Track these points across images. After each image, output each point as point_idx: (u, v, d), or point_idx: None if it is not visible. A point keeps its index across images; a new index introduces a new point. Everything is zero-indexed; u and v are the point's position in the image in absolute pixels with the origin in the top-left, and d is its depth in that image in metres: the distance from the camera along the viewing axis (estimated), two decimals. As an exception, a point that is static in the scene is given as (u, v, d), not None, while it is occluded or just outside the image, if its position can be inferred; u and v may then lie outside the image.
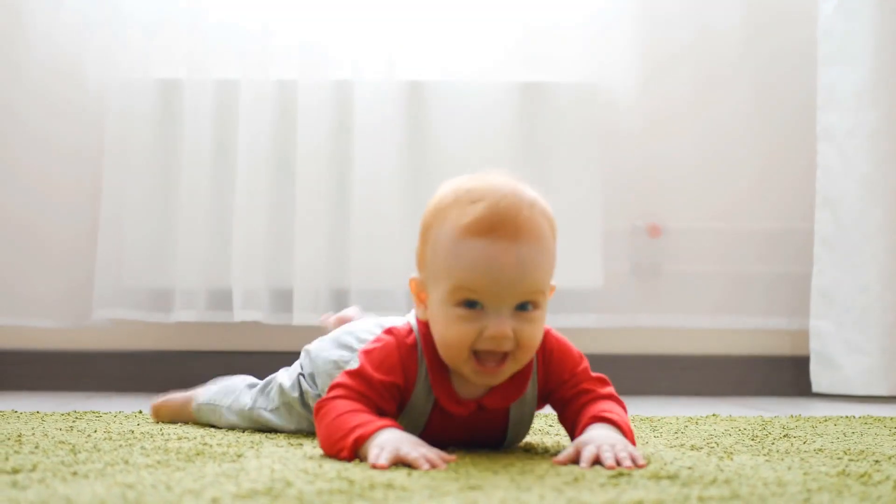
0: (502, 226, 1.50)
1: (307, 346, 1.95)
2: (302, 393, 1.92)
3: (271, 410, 1.98)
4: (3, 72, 3.22)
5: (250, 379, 2.08)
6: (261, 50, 3.16)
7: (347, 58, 3.18)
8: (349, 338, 1.86)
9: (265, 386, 2.01)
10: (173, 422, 2.15)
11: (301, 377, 1.93)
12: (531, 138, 3.19)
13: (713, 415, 2.44)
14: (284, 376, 1.98)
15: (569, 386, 1.64)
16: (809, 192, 3.25)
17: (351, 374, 1.59)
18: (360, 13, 3.19)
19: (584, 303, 3.20)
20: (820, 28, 3.19)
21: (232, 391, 2.07)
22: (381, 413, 1.57)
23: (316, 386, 1.88)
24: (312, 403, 1.87)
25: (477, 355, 1.53)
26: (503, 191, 1.53)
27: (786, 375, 3.30)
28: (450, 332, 1.53)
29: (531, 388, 1.64)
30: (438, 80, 3.20)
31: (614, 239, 3.23)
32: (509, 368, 1.55)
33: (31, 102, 3.20)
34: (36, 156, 3.20)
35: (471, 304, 1.51)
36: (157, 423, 2.14)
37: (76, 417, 2.19)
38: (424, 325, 1.60)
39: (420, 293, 1.60)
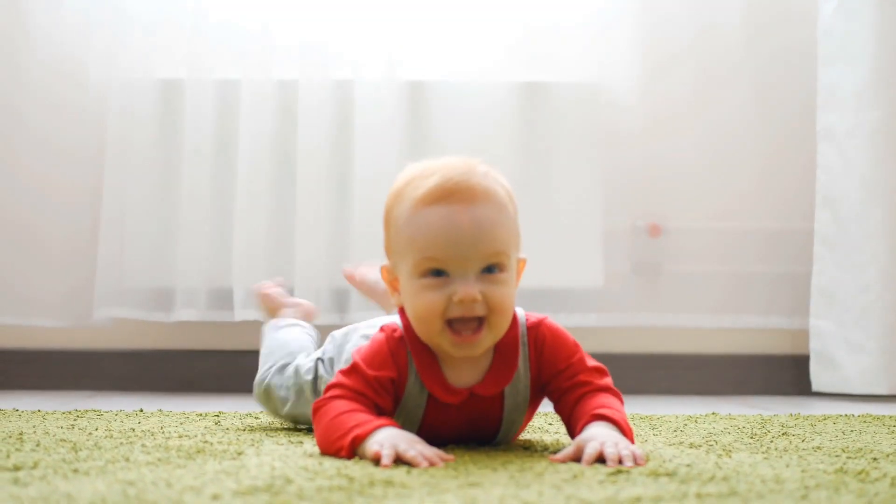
0: (456, 191, 1.53)
1: (334, 333, 1.98)
2: (317, 377, 1.94)
3: (283, 389, 1.99)
4: (5, 72, 3.23)
5: (289, 359, 2.05)
6: (261, 50, 3.17)
7: (348, 58, 3.19)
8: (373, 330, 1.87)
9: (284, 366, 2.02)
10: (265, 309, 2.27)
11: (320, 361, 1.95)
12: (531, 138, 3.20)
13: (712, 413, 2.45)
14: (302, 359, 2.00)
15: (565, 376, 1.64)
16: (810, 191, 3.25)
17: (345, 372, 1.60)
18: (360, 13, 3.20)
19: (585, 302, 3.21)
20: (820, 28, 3.19)
21: (276, 351, 2.07)
22: (378, 410, 1.58)
23: (333, 372, 1.89)
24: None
25: (452, 326, 1.54)
26: (456, 164, 1.57)
27: (786, 375, 3.30)
28: (419, 304, 1.54)
29: (523, 375, 1.64)
30: (439, 80, 3.21)
31: (615, 238, 3.24)
32: (487, 336, 1.56)
33: (32, 103, 3.21)
34: (38, 156, 3.21)
35: (437, 273, 1.54)
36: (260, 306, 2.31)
37: (77, 416, 2.20)
38: (407, 318, 1.61)
39: (392, 281, 1.63)
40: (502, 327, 1.58)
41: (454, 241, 1.52)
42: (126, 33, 3.18)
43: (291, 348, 2.09)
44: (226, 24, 3.19)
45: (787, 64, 3.31)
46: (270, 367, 2.04)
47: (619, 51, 3.24)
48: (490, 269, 1.54)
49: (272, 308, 2.25)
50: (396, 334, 1.62)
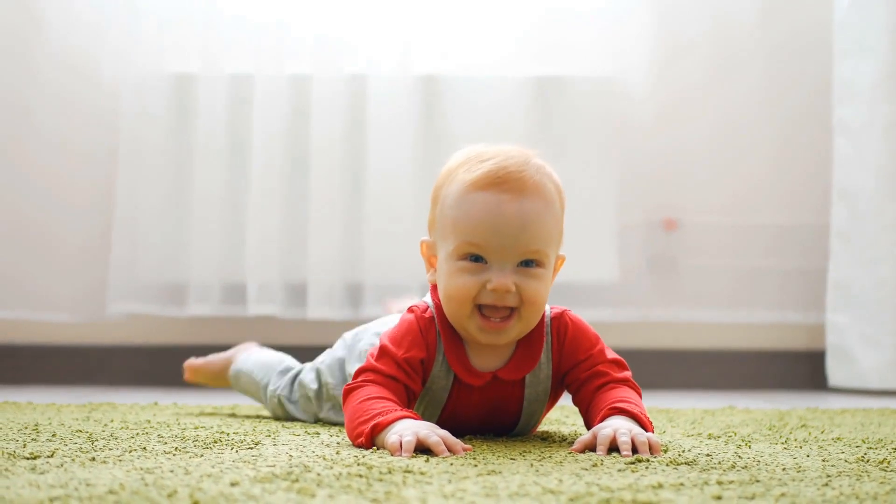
0: (507, 181, 1.53)
1: (344, 334, 1.98)
2: (321, 386, 1.93)
3: (293, 401, 2.00)
4: (18, 72, 3.23)
5: (287, 361, 2.10)
6: (275, 44, 3.17)
7: (362, 51, 3.18)
8: (385, 328, 1.87)
9: (295, 376, 2.03)
10: (206, 385, 2.21)
11: (325, 367, 1.94)
12: (546, 132, 3.19)
13: (729, 407, 2.44)
14: (308, 369, 2.00)
15: (584, 367, 1.64)
16: (825, 185, 3.24)
17: (376, 356, 1.59)
18: (374, 7, 3.19)
19: (600, 296, 3.20)
20: (836, 21, 3.18)
21: (269, 369, 2.09)
22: (409, 393, 1.58)
23: (343, 373, 1.89)
24: (334, 394, 1.89)
25: (481, 312, 1.54)
26: (512, 153, 1.57)
27: (801, 370, 3.29)
28: (453, 285, 1.55)
29: (545, 365, 1.64)
30: (453, 73, 3.20)
31: (630, 233, 3.23)
32: (515, 326, 1.56)
33: (46, 101, 3.21)
34: (52, 153, 3.21)
35: (475, 259, 1.54)
36: (190, 383, 2.23)
37: (92, 409, 2.20)
38: (438, 298, 1.61)
39: (430, 256, 1.63)
40: (532, 321, 1.57)
41: (497, 230, 1.52)
42: (139, 29, 3.18)
43: (272, 359, 2.12)
44: (239, 19, 3.19)
45: (801, 56, 3.30)
46: (277, 383, 2.05)
47: (631, 42, 3.23)
48: (528, 263, 1.54)
49: (214, 370, 2.21)
50: (427, 314, 1.62)
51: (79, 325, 3.23)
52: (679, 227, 3.27)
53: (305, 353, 2.30)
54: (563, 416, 2.12)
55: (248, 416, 2.09)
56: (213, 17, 3.17)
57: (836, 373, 3.14)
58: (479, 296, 1.53)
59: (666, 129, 3.26)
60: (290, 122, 3.18)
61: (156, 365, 3.23)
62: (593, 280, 3.18)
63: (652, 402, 2.59)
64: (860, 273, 3.12)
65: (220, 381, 2.19)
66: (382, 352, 1.59)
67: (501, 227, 1.52)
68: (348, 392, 1.57)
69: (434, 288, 1.62)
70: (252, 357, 2.15)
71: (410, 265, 3.06)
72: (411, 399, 1.59)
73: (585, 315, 3.09)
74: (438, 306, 1.61)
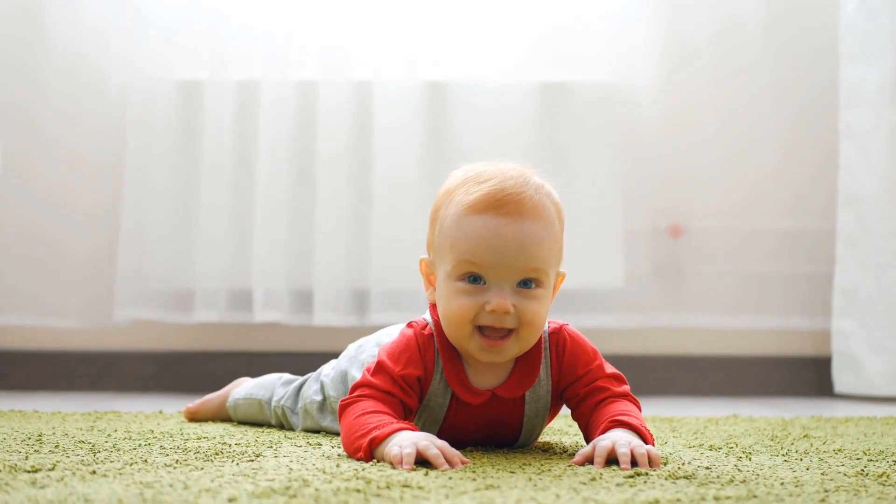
0: (506, 203, 1.53)
1: (349, 346, 1.98)
2: (325, 398, 1.94)
3: (296, 413, 2.00)
4: (26, 81, 3.23)
5: (286, 375, 2.11)
6: (282, 51, 3.17)
7: (368, 59, 3.18)
8: (388, 338, 1.87)
9: (299, 386, 2.03)
10: (211, 412, 2.20)
11: (324, 382, 1.94)
12: (552, 138, 3.19)
13: (733, 415, 2.44)
14: (312, 379, 2.00)
15: (583, 382, 1.64)
16: (831, 190, 3.23)
17: (372, 371, 1.60)
18: (380, 14, 3.19)
19: (606, 303, 3.19)
20: (842, 26, 3.17)
21: (269, 386, 2.09)
22: (406, 409, 1.58)
23: (347, 385, 1.90)
24: (336, 407, 1.89)
25: (482, 331, 1.55)
26: (510, 174, 1.57)
27: (807, 376, 3.28)
28: (451, 306, 1.55)
29: (545, 381, 1.64)
30: (459, 80, 3.20)
31: (635, 239, 3.23)
32: (514, 345, 1.56)
33: (52, 109, 3.22)
34: (59, 160, 3.22)
35: (473, 280, 1.54)
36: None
37: (97, 417, 2.20)
38: (438, 317, 1.61)
39: (429, 275, 1.63)
40: (530, 341, 1.58)
41: (496, 250, 1.52)
42: (146, 36, 3.18)
43: (270, 377, 2.13)
44: (246, 27, 3.19)
45: (807, 61, 3.29)
46: (281, 394, 2.05)
47: (637, 49, 3.22)
48: (527, 284, 1.55)
49: (213, 407, 2.21)
50: (426, 331, 1.63)
51: (86, 332, 3.24)
52: (685, 234, 3.27)
53: (311, 360, 2.31)
54: (565, 426, 2.12)
55: (251, 426, 2.09)
56: (220, 25, 3.18)
57: (842, 379, 3.13)
58: (477, 317, 1.54)
59: (672, 134, 3.26)
60: (297, 128, 3.18)
61: (162, 371, 3.24)
62: (599, 286, 3.18)
63: (656, 410, 2.59)
64: (867, 279, 3.11)
65: (220, 414, 2.20)
66: (379, 367, 1.60)
67: (500, 248, 1.52)
68: (344, 407, 1.58)
69: (433, 306, 1.63)
70: (247, 385, 2.16)
71: (416, 272, 3.05)
72: (408, 415, 1.60)
73: (591, 321, 3.13)
74: (437, 324, 1.61)
